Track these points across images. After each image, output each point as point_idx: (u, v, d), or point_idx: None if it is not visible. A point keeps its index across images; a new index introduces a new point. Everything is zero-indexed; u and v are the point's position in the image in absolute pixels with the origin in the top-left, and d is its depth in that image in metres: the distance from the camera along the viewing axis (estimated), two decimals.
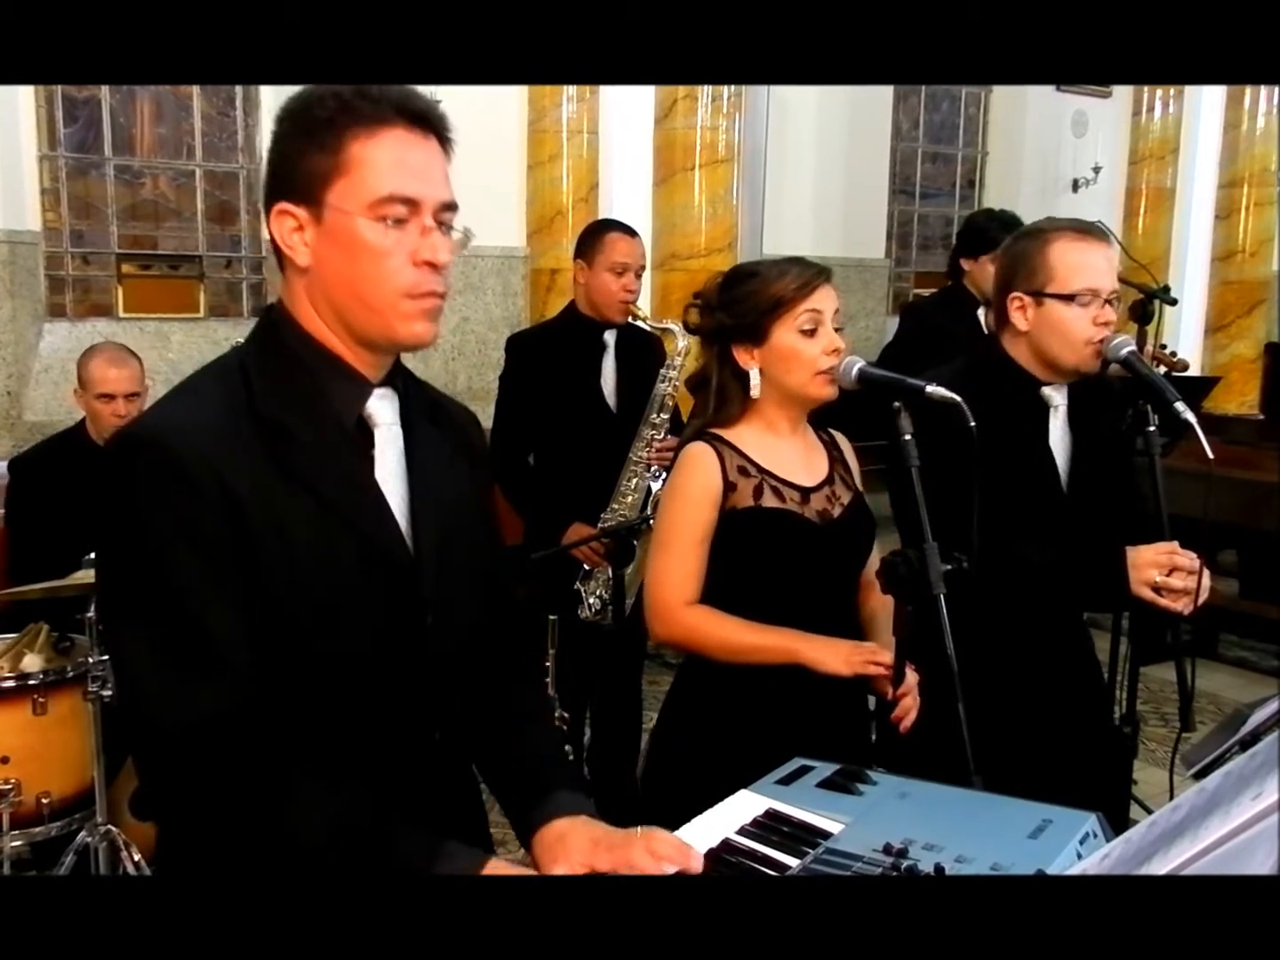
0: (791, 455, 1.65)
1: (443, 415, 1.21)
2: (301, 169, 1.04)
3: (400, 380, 1.15)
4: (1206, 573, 1.68)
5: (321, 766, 1.02)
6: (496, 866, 1.00)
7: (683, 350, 2.74)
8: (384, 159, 1.02)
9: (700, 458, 1.60)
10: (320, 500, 1.04)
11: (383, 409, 1.12)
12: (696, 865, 1.03)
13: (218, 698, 0.97)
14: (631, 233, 2.80)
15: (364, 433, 1.10)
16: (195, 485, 0.98)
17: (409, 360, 1.24)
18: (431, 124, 1.06)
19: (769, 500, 1.60)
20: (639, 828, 1.07)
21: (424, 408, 1.18)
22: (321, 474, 1.05)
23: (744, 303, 1.60)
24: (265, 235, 1.10)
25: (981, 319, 2.97)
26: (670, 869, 1.01)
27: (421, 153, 1.05)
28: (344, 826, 0.98)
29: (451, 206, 1.07)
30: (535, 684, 1.27)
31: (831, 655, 1.54)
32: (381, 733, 1.09)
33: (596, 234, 2.79)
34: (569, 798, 1.13)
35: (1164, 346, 3.99)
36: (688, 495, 1.60)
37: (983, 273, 2.96)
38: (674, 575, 1.60)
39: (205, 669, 0.98)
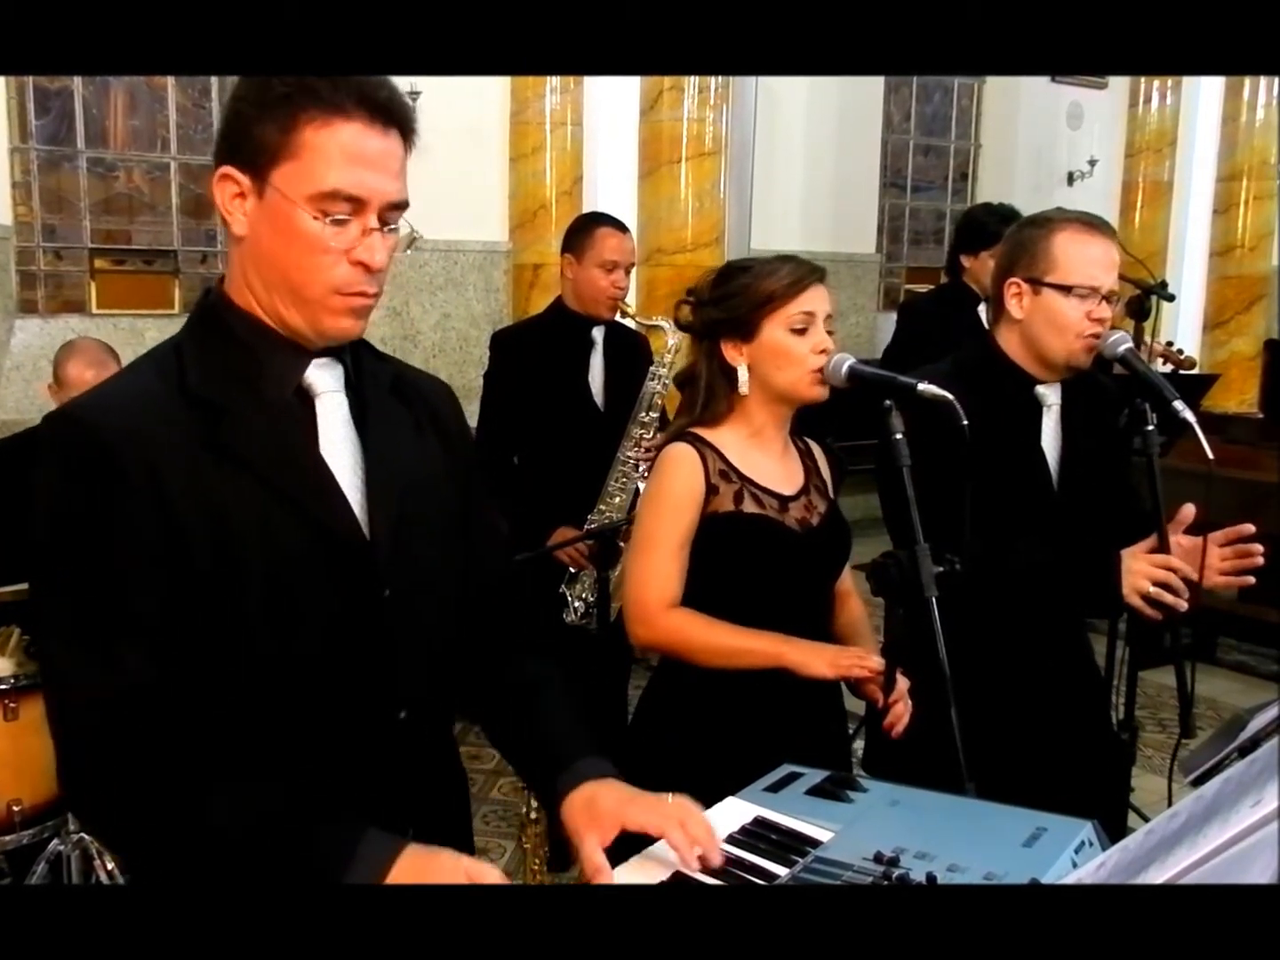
0: (771, 464, 1.65)
1: (407, 387, 1.17)
2: (252, 138, 1.01)
3: (347, 350, 1.11)
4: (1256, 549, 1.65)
5: (244, 760, 1.00)
6: (412, 851, 0.96)
7: (672, 348, 2.72)
8: (336, 151, 0.99)
9: (683, 459, 1.59)
10: (258, 478, 1.01)
11: (323, 377, 1.08)
12: (717, 859, 1.04)
13: (119, 678, 0.95)
14: (622, 228, 2.78)
15: (305, 404, 1.07)
16: (116, 464, 0.96)
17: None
18: (394, 116, 1.02)
19: (749, 506, 1.59)
20: (669, 795, 1.08)
21: (383, 379, 1.14)
22: (258, 449, 1.02)
23: (735, 297, 1.60)
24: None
25: (983, 315, 2.95)
26: (697, 852, 1.03)
27: (379, 147, 1.01)
28: (256, 821, 0.96)
29: (400, 206, 1.04)
30: (540, 654, 1.25)
31: (817, 658, 1.53)
32: (338, 714, 1.06)
33: (586, 229, 2.76)
34: (592, 764, 1.12)
35: (1170, 344, 3.98)
36: (671, 497, 1.59)
37: (983, 268, 2.93)
38: (656, 578, 1.59)
39: (114, 649, 0.96)
